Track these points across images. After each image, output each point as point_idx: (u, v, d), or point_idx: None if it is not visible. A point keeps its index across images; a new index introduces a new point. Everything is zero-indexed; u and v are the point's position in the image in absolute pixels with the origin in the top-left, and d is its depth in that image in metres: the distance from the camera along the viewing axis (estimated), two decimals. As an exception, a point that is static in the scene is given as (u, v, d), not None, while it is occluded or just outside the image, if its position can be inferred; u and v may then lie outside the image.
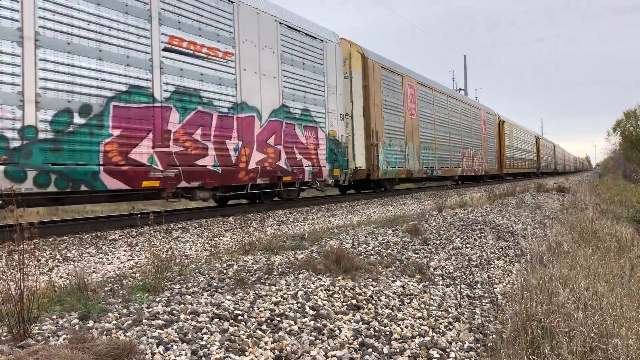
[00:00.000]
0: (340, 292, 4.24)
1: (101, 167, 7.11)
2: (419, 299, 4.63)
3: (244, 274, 4.30)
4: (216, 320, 3.30)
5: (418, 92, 19.09)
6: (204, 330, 3.14)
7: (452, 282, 5.52)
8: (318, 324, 3.60)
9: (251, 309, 3.57)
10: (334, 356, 3.28)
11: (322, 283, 4.31)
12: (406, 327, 3.99)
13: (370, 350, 3.46)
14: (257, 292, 3.88)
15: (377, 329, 3.81)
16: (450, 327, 4.24)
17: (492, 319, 4.75)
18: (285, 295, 3.92)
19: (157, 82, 8.00)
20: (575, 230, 9.47)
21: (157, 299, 3.53)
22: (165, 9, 8.24)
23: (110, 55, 7.31)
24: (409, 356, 3.55)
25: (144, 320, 3.10)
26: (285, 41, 11.15)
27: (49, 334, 2.84)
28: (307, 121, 11.65)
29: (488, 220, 9.28)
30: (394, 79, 17.20)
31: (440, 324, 4.24)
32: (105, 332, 2.92)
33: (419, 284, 5.04)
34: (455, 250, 6.77)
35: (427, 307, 4.51)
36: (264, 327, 3.39)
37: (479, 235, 7.97)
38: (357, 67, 14.84)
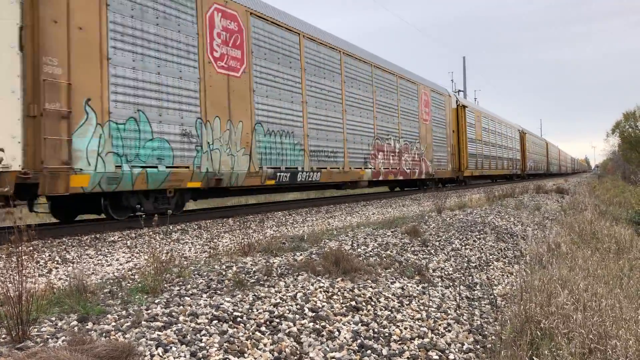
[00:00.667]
0: (339, 293, 4.24)
1: None
2: (418, 301, 4.63)
3: (243, 275, 4.30)
4: (215, 321, 3.29)
5: (253, 33, 10.30)
6: (203, 331, 3.14)
7: (451, 284, 5.52)
8: (317, 326, 3.60)
9: (250, 310, 3.57)
10: (333, 357, 3.28)
11: (322, 284, 4.31)
12: (405, 328, 3.99)
13: (369, 351, 3.46)
14: (256, 293, 3.88)
15: (376, 330, 3.81)
16: (450, 328, 4.24)
17: (491, 320, 4.75)
18: (285, 297, 3.92)
19: None
20: (574, 232, 9.48)
21: (156, 301, 3.53)
22: None
23: None
24: (408, 358, 3.55)
25: (142, 322, 3.10)
26: None
27: (48, 336, 2.84)
28: None
29: (487, 222, 9.28)
30: None
31: (440, 325, 4.24)
32: (104, 334, 2.92)
33: (418, 286, 5.04)
34: (454, 251, 6.77)
35: (426, 308, 4.51)
36: (263, 328, 3.39)
37: (478, 236, 7.97)
38: None
